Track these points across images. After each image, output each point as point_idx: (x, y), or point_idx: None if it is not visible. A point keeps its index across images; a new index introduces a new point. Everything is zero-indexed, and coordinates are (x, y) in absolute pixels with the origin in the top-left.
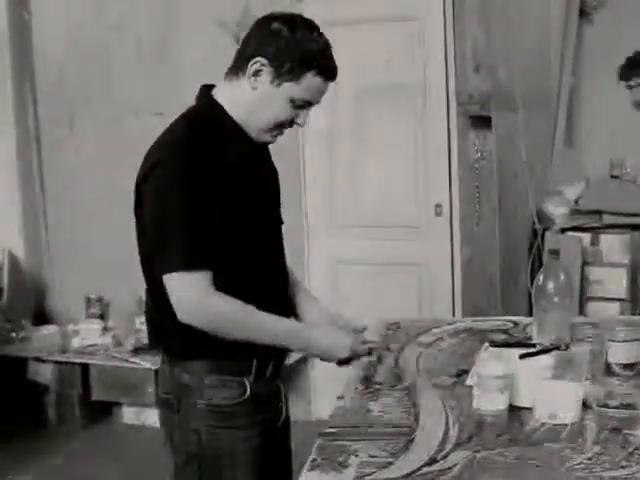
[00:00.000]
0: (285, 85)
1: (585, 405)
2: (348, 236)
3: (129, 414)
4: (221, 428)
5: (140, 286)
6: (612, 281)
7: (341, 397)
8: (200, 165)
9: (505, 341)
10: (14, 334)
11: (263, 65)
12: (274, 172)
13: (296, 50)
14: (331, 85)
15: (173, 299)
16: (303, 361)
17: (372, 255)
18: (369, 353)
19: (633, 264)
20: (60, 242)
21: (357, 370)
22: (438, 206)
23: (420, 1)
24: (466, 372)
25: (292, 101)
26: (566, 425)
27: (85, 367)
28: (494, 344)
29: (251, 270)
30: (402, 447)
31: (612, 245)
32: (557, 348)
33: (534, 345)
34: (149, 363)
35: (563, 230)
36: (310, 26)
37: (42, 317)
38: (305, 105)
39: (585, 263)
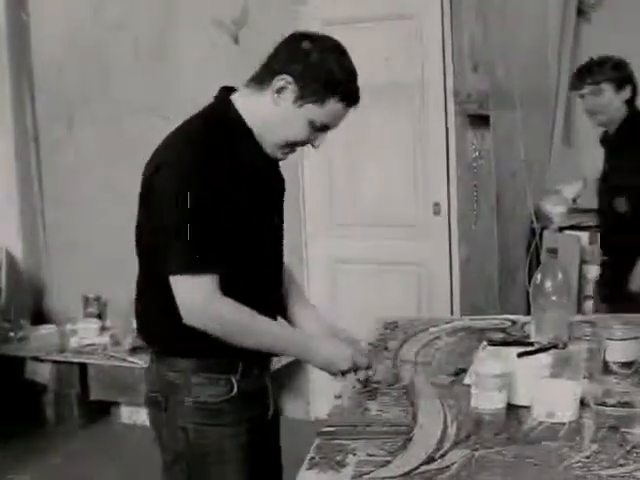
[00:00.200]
0: (307, 107)
1: (583, 403)
2: (346, 235)
3: (127, 413)
4: (208, 425)
5: None
6: None
7: (339, 396)
8: (214, 164)
9: (503, 340)
10: (12, 333)
11: (289, 83)
12: (282, 182)
13: (322, 73)
14: None
15: (178, 300)
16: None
17: (370, 254)
18: (369, 367)
19: None
20: (58, 242)
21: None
22: (436, 205)
23: None
24: (464, 371)
25: (311, 123)
26: (564, 423)
27: (83, 366)
28: (492, 343)
29: (251, 272)
30: (400, 446)
31: None
32: (555, 347)
33: (532, 344)
34: (147, 363)
35: (561, 229)
36: (338, 50)
37: (40, 317)
38: (323, 128)
39: (583, 262)
